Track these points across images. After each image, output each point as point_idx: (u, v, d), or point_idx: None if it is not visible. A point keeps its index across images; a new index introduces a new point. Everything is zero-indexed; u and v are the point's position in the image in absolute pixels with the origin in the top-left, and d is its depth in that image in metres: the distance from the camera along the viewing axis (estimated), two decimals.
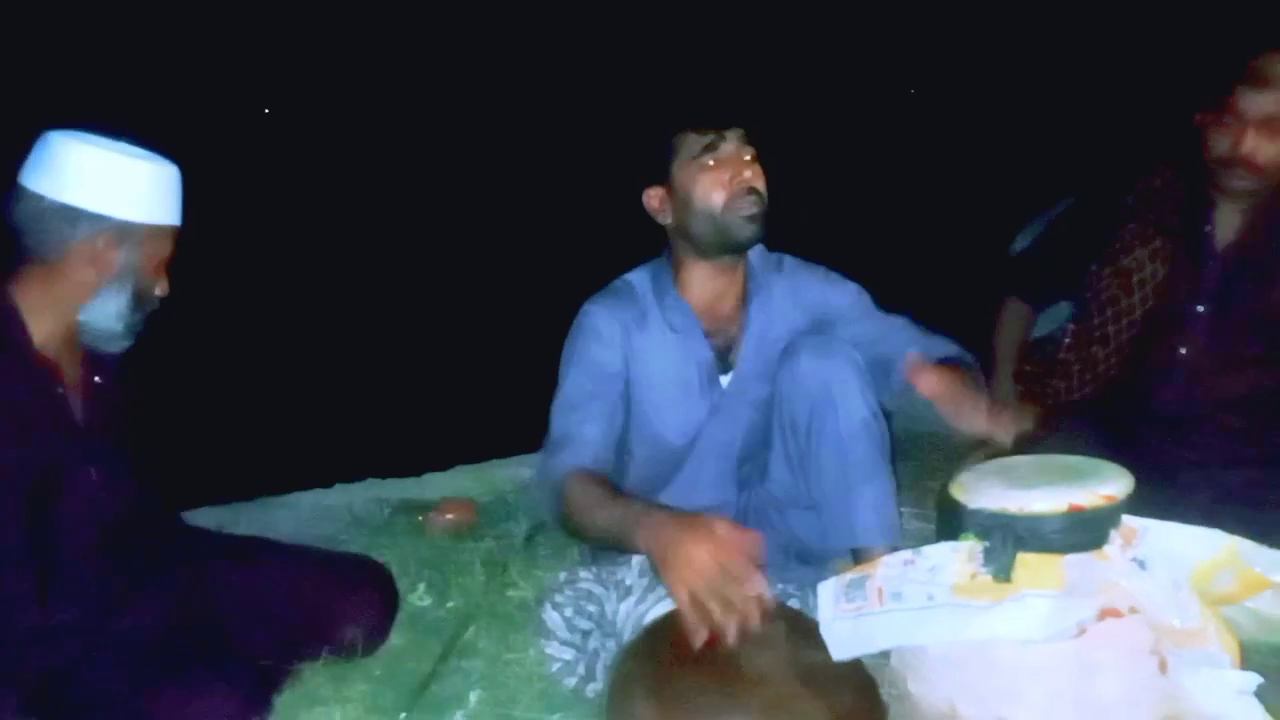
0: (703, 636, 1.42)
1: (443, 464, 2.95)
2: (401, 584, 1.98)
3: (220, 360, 4.56)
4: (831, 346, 1.88)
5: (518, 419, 2.39)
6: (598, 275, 2.07)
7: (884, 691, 1.49)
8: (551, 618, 1.81)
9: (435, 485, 2.79)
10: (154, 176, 1.66)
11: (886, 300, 2.06)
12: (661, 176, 1.92)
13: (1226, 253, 2.13)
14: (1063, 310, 2.46)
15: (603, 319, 1.95)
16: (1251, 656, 1.44)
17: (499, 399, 3.39)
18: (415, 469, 2.91)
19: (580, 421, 1.84)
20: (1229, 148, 2.01)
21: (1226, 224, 2.14)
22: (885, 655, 1.50)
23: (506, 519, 2.46)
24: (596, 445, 1.83)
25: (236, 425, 3.96)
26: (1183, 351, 2.15)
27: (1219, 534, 1.40)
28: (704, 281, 1.96)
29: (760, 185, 1.88)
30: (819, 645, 1.46)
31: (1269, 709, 1.27)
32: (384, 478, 2.85)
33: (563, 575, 1.90)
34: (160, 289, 1.72)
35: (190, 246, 1.75)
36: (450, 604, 2.05)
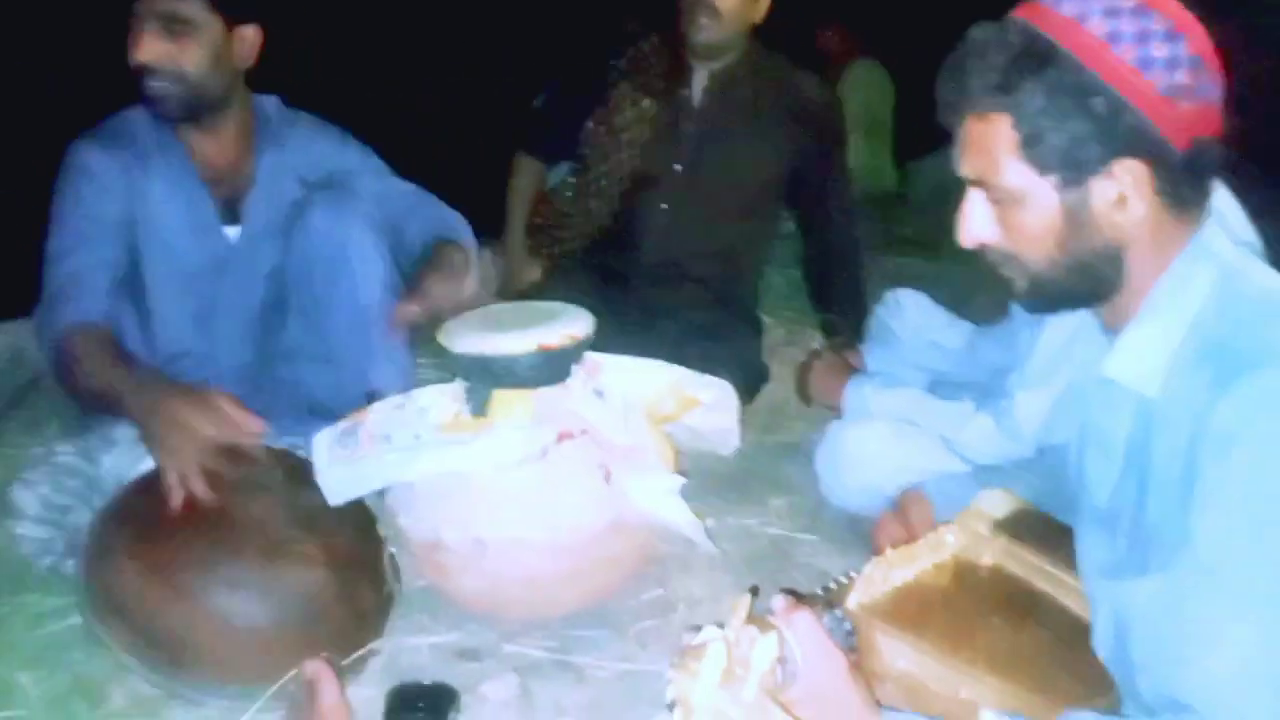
0: (179, 498, 1.41)
1: None
2: None
3: None
4: (344, 200, 1.87)
5: None
6: (68, 121, 1.85)
7: (381, 527, 1.57)
8: (23, 497, 1.66)
9: None
10: None
11: (402, 161, 2.07)
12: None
13: (700, 117, 2.40)
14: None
15: (96, 158, 1.78)
16: (689, 462, 1.74)
17: None
18: None
19: (79, 269, 1.71)
20: None
21: (701, 89, 2.41)
22: (380, 495, 1.58)
23: None
24: (100, 294, 1.71)
25: None
26: (664, 206, 2.42)
27: (664, 364, 1.65)
28: (198, 132, 1.83)
29: (153, 59, 1.71)
30: (317, 489, 1.49)
31: (691, 504, 1.54)
32: None
33: (38, 451, 1.76)
34: None
35: None
36: None
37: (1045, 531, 1.31)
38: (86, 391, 1.62)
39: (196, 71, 1.74)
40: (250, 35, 1.80)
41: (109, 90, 1.84)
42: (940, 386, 1.98)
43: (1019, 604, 1.25)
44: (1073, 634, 1.17)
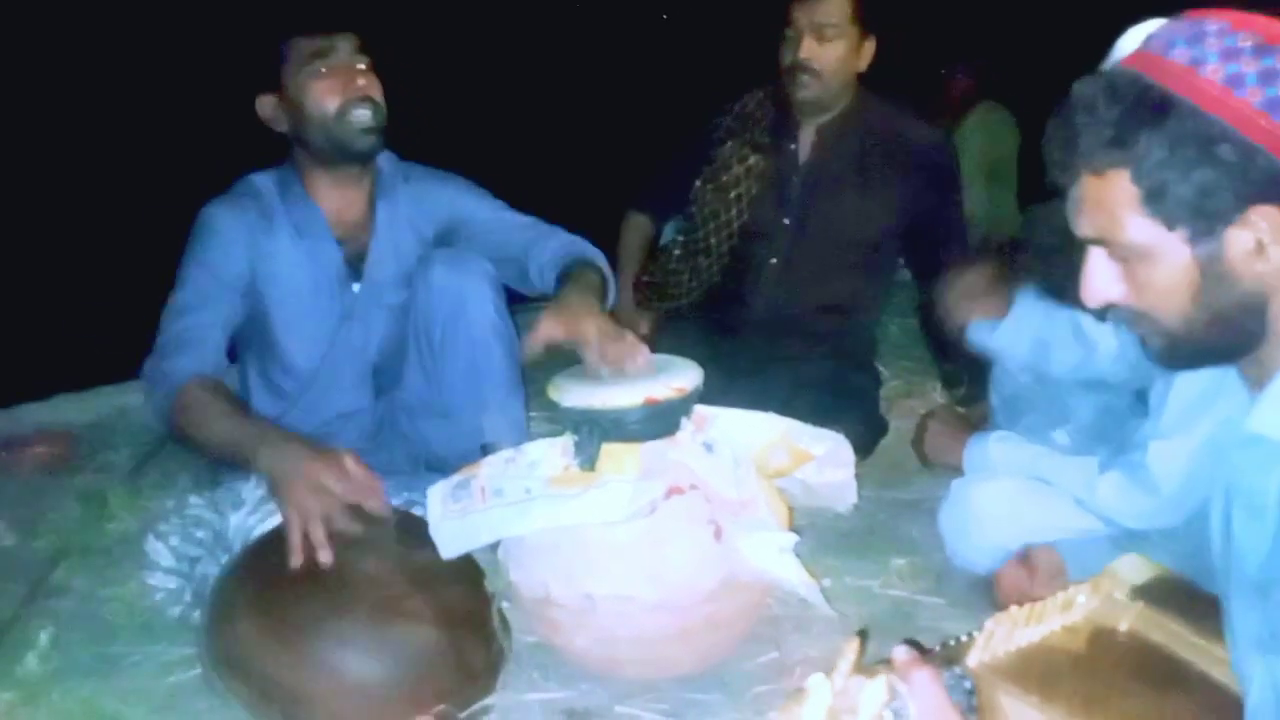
0: (300, 558, 1.44)
1: (40, 394, 2.66)
2: None
3: None
4: (464, 258, 1.93)
5: (120, 343, 2.21)
6: (206, 189, 1.95)
7: (490, 582, 1.57)
8: (155, 548, 1.73)
9: (28, 416, 2.51)
10: None
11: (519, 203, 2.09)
12: (273, 84, 1.85)
13: (807, 171, 2.39)
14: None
15: (224, 219, 1.87)
16: (804, 518, 1.68)
17: (100, 323, 3.12)
18: (5, 400, 2.61)
19: (198, 324, 1.78)
20: (791, 56, 2.28)
21: (808, 144, 2.39)
22: (493, 549, 1.58)
23: (108, 449, 2.28)
24: (216, 350, 1.79)
25: None
26: (773, 261, 2.40)
27: (775, 418, 1.61)
28: (329, 188, 1.92)
29: (376, 94, 1.85)
30: (429, 546, 1.50)
31: (807, 563, 1.49)
32: None
33: (170, 503, 1.82)
34: None
35: None
36: (39, 542, 1.90)
37: (1188, 600, 1.22)
38: (203, 440, 1.66)
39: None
40: None
41: (230, 158, 1.94)
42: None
43: (1159, 671, 1.16)
44: (1219, 704, 1.08)
